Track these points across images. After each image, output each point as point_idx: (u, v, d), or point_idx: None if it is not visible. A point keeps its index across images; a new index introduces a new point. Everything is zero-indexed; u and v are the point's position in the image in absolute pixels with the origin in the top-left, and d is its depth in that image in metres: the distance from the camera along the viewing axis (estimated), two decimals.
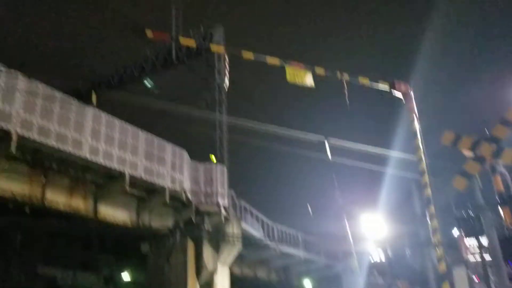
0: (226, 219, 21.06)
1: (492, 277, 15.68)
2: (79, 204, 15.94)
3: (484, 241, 21.51)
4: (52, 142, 13.73)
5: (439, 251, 7.58)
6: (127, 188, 16.12)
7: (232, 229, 21.87)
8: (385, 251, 34.07)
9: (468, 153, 7.65)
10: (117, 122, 16.27)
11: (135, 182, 16.56)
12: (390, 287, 30.54)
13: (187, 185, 19.17)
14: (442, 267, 7.52)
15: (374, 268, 34.06)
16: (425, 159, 7.78)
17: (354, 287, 30.08)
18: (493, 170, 7.23)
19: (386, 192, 26.42)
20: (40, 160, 14.25)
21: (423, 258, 31.62)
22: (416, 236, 30.38)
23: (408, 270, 32.61)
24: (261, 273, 28.26)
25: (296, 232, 28.82)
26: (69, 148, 14.20)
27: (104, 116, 15.85)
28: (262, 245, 25.43)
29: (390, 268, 32.75)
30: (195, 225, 20.24)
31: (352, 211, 29.44)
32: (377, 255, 35.83)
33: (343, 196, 30.43)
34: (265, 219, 26.11)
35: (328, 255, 30.70)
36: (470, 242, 17.96)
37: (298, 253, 28.09)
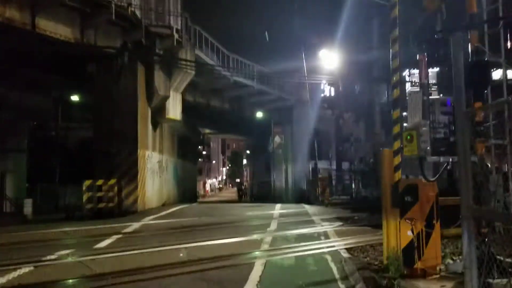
0: (179, 43, 20.08)
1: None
2: (14, 14, 14.42)
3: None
4: None
5: (396, 77, 7.25)
6: None
7: (186, 55, 21.10)
8: (336, 87, 34.93)
9: None
10: None
11: None
12: (337, 119, 32.01)
13: (135, 1, 17.60)
14: (397, 92, 7.28)
15: (325, 102, 35.23)
16: None
17: (304, 118, 31.22)
18: None
19: (346, 19, 25.59)
20: None
21: (371, 94, 32.79)
22: (369, 71, 30.96)
23: (355, 104, 34.03)
24: (215, 102, 28.47)
25: (252, 63, 28.41)
26: None
27: None
28: (216, 73, 25.03)
29: (339, 102, 33.98)
30: (145, 47, 19.24)
31: (309, 45, 29.02)
32: (328, 90, 36.84)
33: (303, 29, 29.67)
34: (220, 47, 25.27)
35: (282, 88, 31.01)
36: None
37: (252, 84, 28.06)
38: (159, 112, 20.84)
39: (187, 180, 32.05)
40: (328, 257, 8.39)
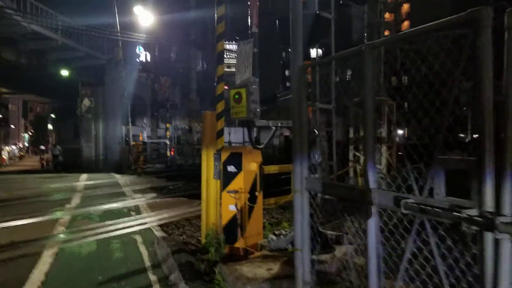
0: None
1: None
2: None
3: None
4: None
5: (221, 26, 6.27)
6: None
7: None
8: (152, 51, 33.10)
9: None
10: None
11: None
12: (153, 83, 30.37)
13: None
14: (222, 45, 6.29)
15: (140, 65, 33.14)
16: None
17: (118, 80, 28.69)
18: None
19: None
20: None
21: (188, 61, 31.95)
22: (186, 35, 29.94)
23: (172, 70, 32.84)
24: (8, 55, 23.85)
25: (55, 13, 24.48)
26: None
27: None
28: (8, 18, 20.75)
29: (155, 67, 32.33)
30: None
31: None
32: (144, 55, 34.71)
33: None
34: None
35: (92, 45, 27.70)
36: None
37: (56, 36, 24.24)
38: None
39: None
40: (139, 238, 7.16)
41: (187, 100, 31.28)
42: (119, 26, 25.61)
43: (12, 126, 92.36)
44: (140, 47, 34.07)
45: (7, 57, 23.74)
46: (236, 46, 5.64)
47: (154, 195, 12.24)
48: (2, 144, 73.23)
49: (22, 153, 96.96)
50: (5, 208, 10.07)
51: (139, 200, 11.16)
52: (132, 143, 26.09)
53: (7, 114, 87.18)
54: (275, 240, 5.76)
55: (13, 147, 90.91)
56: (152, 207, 10.07)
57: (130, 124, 26.32)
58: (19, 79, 30.57)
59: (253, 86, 5.11)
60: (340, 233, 5.60)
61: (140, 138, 28.66)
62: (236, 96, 5.24)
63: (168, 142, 28.89)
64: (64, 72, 27.90)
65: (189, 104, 31.44)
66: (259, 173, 6.11)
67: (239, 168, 5.85)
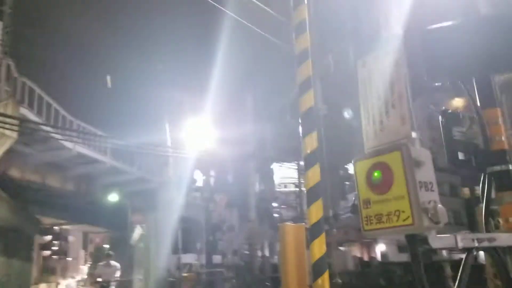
0: None
1: None
2: None
3: None
4: None
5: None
6: None
7: (4, 110, 15.61)
8: (206, 171, 31.29)
9: None
10: None
11: None
12: (208, 203, 27.84)
13: None
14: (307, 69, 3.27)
15: (194, 185, 31.16)
16: None
17: (170, 204, 26.40)
18: None
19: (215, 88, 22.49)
20: None
21: (245, 179, 29.60)
22: (243, 152, 27.99)
23: (227, 189, 30.66)
24: (53, 181, 22.37)
25: (104, 134, 23.32)
26: None
27: None
28: (54, 143, 19.48)
29: (209, 186, 30.27)
30: None
31: (175, 115, 25.32)
32: (199, 178, 32.93)
33: (167, 98, 26.07)
34: (60, 110, 20.05)
35: (142, 167, 26.11)
36: None
37: (104, 159, 22.75)
38: None
39: (12, 284, 24.27)
40: None
41: (245, 221, 28.21)
42: (171, 144, 24.05)
43: (70, 259, 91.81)
44: (198, 172, 32.49)
45: (52, 184, 22.24)
46: (358, 73, 2.48)
47: None
48: (59, 278, 71.83)
49: (80, 286, 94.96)
50: None
51: None
52: (184, 274, 22.75)
53: (66, 246, 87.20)
54: None
55: (71, 280, 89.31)
56: None
57: (180, 251, 23.27)
58: (67, 208, 29.12)
59: (418, 148, 1.94)
60: None
61: (195, 267, 25.43)
62: (376, 174, 1.97)
63: (225, 272, 25.28)
64: (114, 198, 26.01)
65: (248, 225, 28.28)
66: None
67: None
